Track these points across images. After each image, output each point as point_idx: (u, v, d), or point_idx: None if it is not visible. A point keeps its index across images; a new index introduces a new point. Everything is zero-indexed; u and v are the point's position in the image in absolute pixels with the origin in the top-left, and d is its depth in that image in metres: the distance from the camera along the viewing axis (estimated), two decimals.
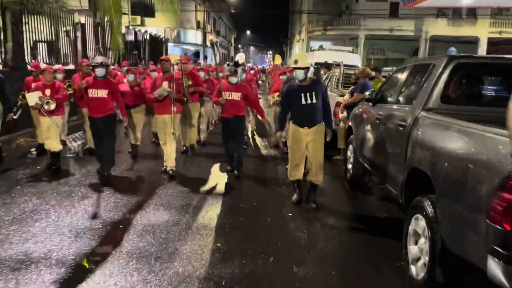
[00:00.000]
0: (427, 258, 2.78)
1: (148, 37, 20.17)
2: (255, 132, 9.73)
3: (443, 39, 29.62)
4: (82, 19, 13.98)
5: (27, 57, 9.96)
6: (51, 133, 6.02)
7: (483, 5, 21.42)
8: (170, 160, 6.05)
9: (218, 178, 6.06)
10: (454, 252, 2.47)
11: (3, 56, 9.20)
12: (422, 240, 2.91)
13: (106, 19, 15.40)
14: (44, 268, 3.16)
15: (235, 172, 6.16)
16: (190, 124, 7.30)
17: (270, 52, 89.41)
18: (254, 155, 7.70)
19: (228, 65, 10.59)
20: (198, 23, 35.78)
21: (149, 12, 27.78)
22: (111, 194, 5.15)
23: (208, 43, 36.13)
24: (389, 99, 4.46)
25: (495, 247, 2.04)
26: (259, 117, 6.46)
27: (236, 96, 5.93)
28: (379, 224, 4.47)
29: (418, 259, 2.96)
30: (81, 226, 4.01)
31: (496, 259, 2.02)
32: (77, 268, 3.20)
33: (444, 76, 3.27)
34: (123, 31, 16.74)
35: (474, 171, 2.30)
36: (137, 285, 2.97)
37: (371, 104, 4.81)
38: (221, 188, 5.60)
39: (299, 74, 4.65)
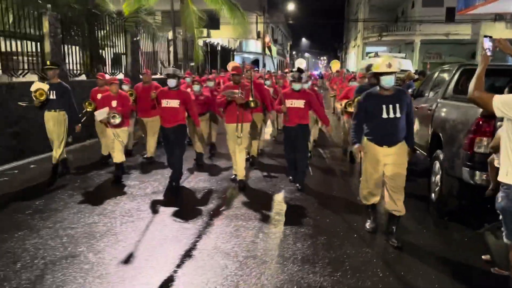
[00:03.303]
0: (439, 185, 4.71)
1: (219, 48, 22.95)
2: (317, 142, 9.04)
3: None
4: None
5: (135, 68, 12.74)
6: (115, 144, 6.15)
7: None
8: (240, 170, 5.96)
9: (281, 191, 5.85)
10: (450, 174, 4.40)
11: (124, 69, 12.07)
12: (437, 176, 4.83)
13: (188, 35, 18.15)
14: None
15: (298, 185, 5.91)
16: (253, 135, 6.93)
17: (324, 57, 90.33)
18: (317, 166, 7.27)
19: (291, 71, 12.25)
20: (258, 33, 38.32)
21: (214, 25, 30.68)
22: (180, 203, 5.31)
23: (267, 52, 38.78)
24: (425, 94, 6.33)
25: (465, 162, 3.98)
26: (323, 126, 6.23)
27: (299, 103, 5.67)
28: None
29: (435, 188, 4.88)
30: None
31: (465, 168, 3.96)
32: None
33: (456, 77, 5.20)
34: (200, 44, 19.49)
35: (459, 127, 4.25)
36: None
37: (412, 98, 6.70)
38: (283, 203, 5.33)
39: (389, 81, 3.86)
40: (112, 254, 3.75)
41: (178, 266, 3.57)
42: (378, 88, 4.01)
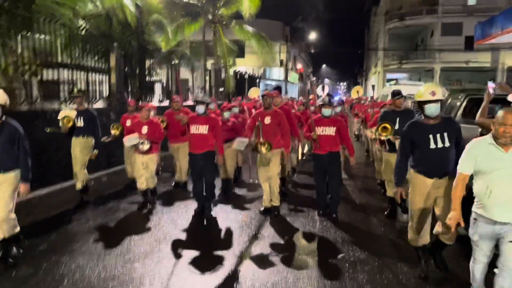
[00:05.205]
0: None
1: (247, 77, 24.50)
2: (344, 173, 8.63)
3: None
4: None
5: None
6: (146, 172, 6.13)
7: None
8: (275, 197, 5.98)
9: (310, 224, 5.68)
10: None
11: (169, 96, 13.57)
12: None
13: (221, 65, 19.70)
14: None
15: (333, 215, 5.78)
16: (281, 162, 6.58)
17: (344, 83, 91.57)
18: (348, 199, 7.01)
19: (318, 97, 13.01)
20: (281, 61, 39.97)
21: (240, 53, 32.44)
22: (212, 232, 5.46)
23: (290, 79, 40.39)
24: None
25: None
26: (348, 155, 5.90)
27: (330, 131, 5.58)
28: None
29: None
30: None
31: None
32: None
33: (463, 104, 6.31)
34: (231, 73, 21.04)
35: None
36: None
37: None
38: (313, 239, 5.15)
39: (434, 109, 3.72)
40: (145, 273, 4.21)
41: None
42: (422, 117, 3.86)
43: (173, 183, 7.78)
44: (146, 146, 5.95)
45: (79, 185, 6.36)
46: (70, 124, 6.07)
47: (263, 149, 5.63)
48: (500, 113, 3.04)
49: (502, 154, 3.05)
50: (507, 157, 3.04)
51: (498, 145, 3.06)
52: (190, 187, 6.91)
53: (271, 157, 5.80)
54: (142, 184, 6.18)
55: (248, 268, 4.31)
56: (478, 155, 3.14)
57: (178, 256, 4.64)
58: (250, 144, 5.96)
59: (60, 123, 6.08)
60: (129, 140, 6.07)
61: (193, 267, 4.34)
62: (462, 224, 3.21)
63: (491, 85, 4.31)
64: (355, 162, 5.89)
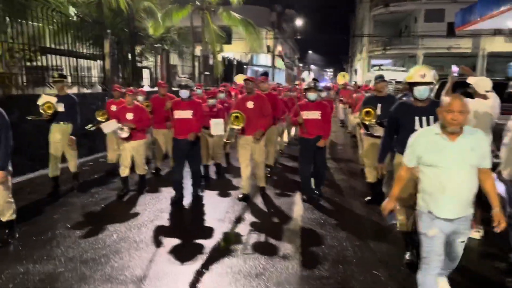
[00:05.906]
0: None
1: (235, 63, 24.91)
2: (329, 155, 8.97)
3: (502, 55, 31.39)
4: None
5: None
6: (136, 157, 6.09)
7: None
8: (260, 180, 6.28)
9: (294, 209, 5.67)
10: None
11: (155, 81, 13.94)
12: None
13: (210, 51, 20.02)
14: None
15: (317, 192, 6.01)
16: (268, 147, 7.10)
17: (330, 69, 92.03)
18: (332, 182, 7.21)
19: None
20: (268, 47, 40.25)
21: (227, 40, 32.65)
22: (206, 204, 5.86)
23: (277, 65, 40.79)
24: None
25: None
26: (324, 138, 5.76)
27: (315, 115, 5.65)
28: None
29: None
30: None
31: None
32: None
33: (436, 86, 6.93)
34: (219, 59, 21.37)
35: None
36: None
37: None
38: (297, 223, 5.14)
39: (423, 92, 3.70)
40: (153, 235, 4.77)
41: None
42: (411, 98, 3.87)
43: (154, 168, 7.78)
44: (125, 133, 5.79)
45: (73, 169, 6.44)
46: (51, 111, 5.90)
47: (235, 123, 5.66)
48: (446, 99, 2.78)
49: (448, 143, 2.77)
50: (454, 147, 2.76)
51: (444, 134, 2.78)
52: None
53: (254, 147, 5.91)
54: (123, 171, 6.16)
55: (241, 230, 4.99)
56: (421, 147, 2.88)
57: (179, 222, 5.33)
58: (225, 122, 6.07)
59: (41, 109, 5.89)
60: (108, 126, 6.00)
61: (193, 231, 4.93)
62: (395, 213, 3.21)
63: (454, 68, 4.86)
64: (323, 144, 5.81)
